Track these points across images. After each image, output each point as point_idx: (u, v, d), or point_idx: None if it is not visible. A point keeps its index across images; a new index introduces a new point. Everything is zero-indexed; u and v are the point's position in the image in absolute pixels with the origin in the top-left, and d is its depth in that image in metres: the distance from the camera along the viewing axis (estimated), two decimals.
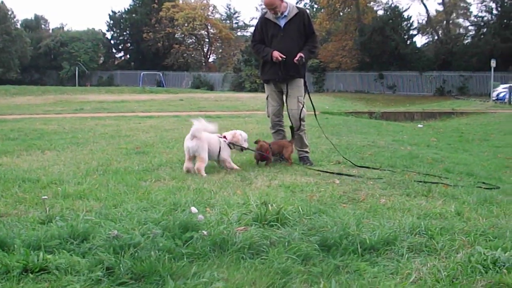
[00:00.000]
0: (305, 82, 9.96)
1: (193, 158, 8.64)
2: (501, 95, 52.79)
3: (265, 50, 9.76)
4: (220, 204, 5.92)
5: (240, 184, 7.43)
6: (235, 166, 8.99)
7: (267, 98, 10.20)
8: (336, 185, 7.61)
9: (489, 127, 29.80)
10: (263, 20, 9.93)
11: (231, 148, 9.28)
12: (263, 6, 9.57)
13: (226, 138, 9.19)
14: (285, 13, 9.66)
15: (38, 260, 3.98)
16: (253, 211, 5.39)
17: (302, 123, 9.93)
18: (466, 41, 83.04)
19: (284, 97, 10.02)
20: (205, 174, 8.32)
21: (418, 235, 5.02)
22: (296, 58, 9.60)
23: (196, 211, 5.43)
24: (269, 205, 5.40)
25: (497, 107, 44.91)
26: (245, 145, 9.40)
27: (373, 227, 5.09)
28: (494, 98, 53.60)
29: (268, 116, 10.24)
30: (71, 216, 5.28)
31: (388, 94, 74.59)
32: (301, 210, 5.58)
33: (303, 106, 9.91)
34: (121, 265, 4.00)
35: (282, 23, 9.70)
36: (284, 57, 9.50)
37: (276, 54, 9.51)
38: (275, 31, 9.74)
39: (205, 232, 4.65)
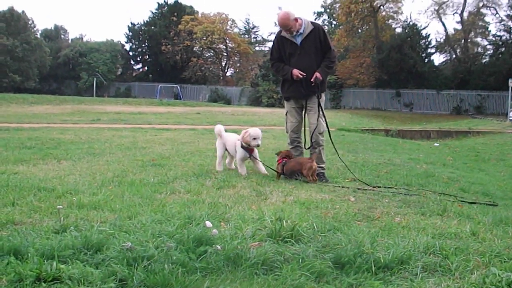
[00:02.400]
0: (318, 99, 9.96)
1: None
2: None
3: (285, 68, 9.80)
4: (234, 219, 5.93)
5: (255, 199, 7.43)
6: (242, 171, 9.46)
7: (286, 114, 10.22)
8: (351, 202, 7.60)
9: (506, 147, 29.62)
10: (279, 38, 9.94)
11: (244, 148, 9.60)
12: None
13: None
14: (301, 31, 9.67)
15: (51, 270, 4.01)
16: (267, 226, 5.39)
17: (321, 138, 9.94)
18: (484, 60, 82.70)
19: (304, 112, 10.03)
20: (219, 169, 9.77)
21: (433, 255, 5.00)
22: (313, 79, 9.66)
23: (211, 225, 5.44)
24: (284, 221, 5.39)
25: None
26: (253, 143, 9.53)
27: (388, 246, 5.08)
28: (511, 118, 53.37)
29: (287, 132, 10.26)
30: (86, 227, 5.31)
31: (405, 112, 74.36)
32: (315, 227, 5.57)
33: (326, 123, 9.97)
34: (134, 277, 4.02)
35: (298, 40, 9.72)
36: (304, 74, 9.52)
37: (296, 72, 9.55)
38: (292, 49, 9.76)
39: (219, 247, 4.65)
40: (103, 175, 9.12)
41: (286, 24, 9.53)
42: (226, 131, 10.56)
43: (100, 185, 8.05)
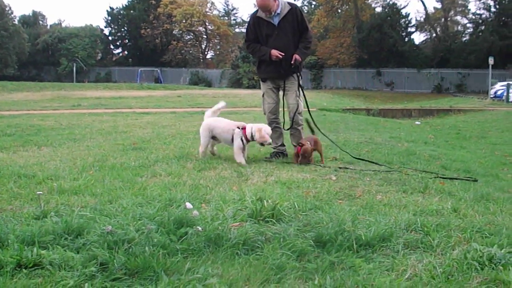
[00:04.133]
0: (299, 80, 9.95)
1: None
2: (499, 92, 52.84)
3: (262, 49, 9.74)
4: (215, 200, 5.92)
5: (236, 180, 7.42)
6: (242, 160, 9.08)
7: (263, 96, 10.17)
8: (332, 181, 7.59)
9: (487, 124, 29.78)
10: (255, 19, 9.83)
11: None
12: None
13: (245, 130, 9.20)
14: (278, 11, 9.59)
15: (32, 256, 3.97)
16: (248, 207, 5.38)
17: (300, 118, 9.93)
18: (464, 39, 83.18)
19: (281, 92, 10.01)
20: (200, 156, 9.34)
21: (414, 232, 5.02)
22: (292, 61, 9.66)
23: (191, 206, 5.42)
24: (265, 201, 5.37)
25: (495, 105, 44.94)
26: (269, 141, 9.30)
27: (369, 224, 5.09)
28: (492, 96, 53.66)
29: (265, 114, 10.20)
30: (66, 212, 5.28)
31: (386, 91, 74.69)
32: (296, 206, 5.59)
33: (304, 99, 9.97)
34: (115, 261, 3.99)
35: (275, 21, 9.64)
36: (283, 54, 9.49)
37: (275, 52, 9.49)
38: (270, 30, 9.69)
39: (199, 228, 4.63)
40: (84, 160, 9.06)
41: (267, 5, 9.45)
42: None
43: (80, 170, 8.00)
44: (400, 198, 6.61)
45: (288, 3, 9.81)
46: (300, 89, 10.01)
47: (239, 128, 9.20)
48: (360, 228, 4.90)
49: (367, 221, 5.21)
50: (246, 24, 10.39)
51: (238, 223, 4.91)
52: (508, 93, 47.40)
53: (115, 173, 7.73)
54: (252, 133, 9.09)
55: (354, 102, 51.92)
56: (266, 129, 9.20)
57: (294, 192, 6.61)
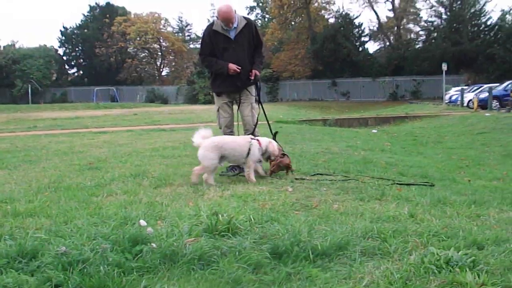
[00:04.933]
0: (259, 93, 9.99)
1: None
2: (454, 97, 53.54)
3: (219, 63, 9.71)
4: (171, 217, 5.88)
5: (192, 196, 7.37)
6: (253, 178, 8.80)
7: (218, 111, 10.15)
8: (288, 192, 7.58)
9: (443, 129, 30.09)
10: (211, 32, 9.78)
11: None
12: (215, 18, 9.35)
13: (260, 143, 9.01)
14: (235, 25, 9.62)
15: None
16: (204, 222, 5.35)
17: (256, 129, 9.95)
18: (418, 46, 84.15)
19: (236, 106, 10.02)
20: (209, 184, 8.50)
21: (371, 239, 5.04)
22: (252, 77, 9.80)
23: (145, 224, 5.38)
24: (220, 215, 5.36)
25: (450, 110, 45.45)
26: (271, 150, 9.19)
27: (325, 233, 5.09)
28: (447, 101, 54.28)
29: (220, 128, 10.18)
30: (21, 235, 5.19)
31: (342, 101, 75.22)
32: (252, 219, 5.56)
33: (264, 111, 10.00)
34: (69, 282, 3.95)
35: (232, 35, 9.64)
36: (240, 68, 9.52)
37: (233, 67, 9.50)
38: (226, 44, 9.68)
39: (154, 245, 4.60)
40: (39, 182, 8.97)
41: (231, 17, 9.46)
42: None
43: (36, 192, 7.91)
44: (357, 206, 6.65)
45: (244, 17, 9.86)
46: (259, 102, 10.08)
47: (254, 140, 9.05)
48: (316, 238, 4.91)
49: (323, 230, 5.22)
50: (201, 37, 10.36)
51: (193, 238, 4.88)
52: (462, 97, 47.99)
53: (70, 194, 7.64)
54: (266, 147, 9.04)
55: (310, 113, 52.13)
56: (275, 144, 9.25)
57: (250, 205, 6.60)
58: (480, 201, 7.70)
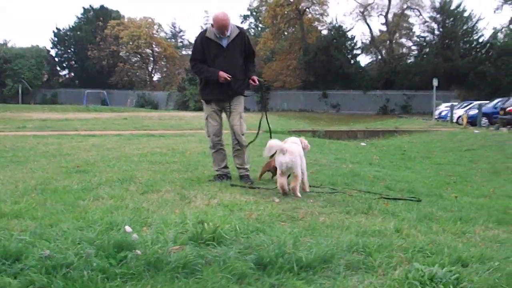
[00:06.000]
0: (265, 104, 10.10)
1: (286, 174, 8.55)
2: (443, 113, 53.68)
3: (209, 70, 9.70)
4: (157, 223, 5.85)
5: (179, 203, 7.34)
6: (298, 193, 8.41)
7: (206, 119, 10.13)
8: (275, 203, 7.59)
9: (432, 145, 30.14)
10: (204, 39, 9.78)
11: None
12: (209, 25, 9.33)
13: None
14: (228, 33, 9.64)
15: None
16: (189, 230, 5.34)
17: (244, 139, 9.95)
18: (409, 61, 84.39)
19: (225, 114, 10.03)
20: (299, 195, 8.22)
21: (356, 253, 5.06)
22: (255, 84, 9.99)
23: (131, 230, 5.35)
24: (206, 224, 5.35)
25: (440, 126, 45.47)
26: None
27: (310, 245, 5.09)
28: (436, 117, 54.37)
29: (208, 136, 10.15)
30: (5, 236, 5.15)
31: (332, 113, 75.27)
32: (238, 229, 5.54)
33: (267, 119, 10.13)
34: (52, 286, 3.93)
35: (224, 43, 9.65)
36: (231, 76, 9.53)
37: (224, 74, 9.49)
38: (218, 51, 9.68)
39: (139, 252, 4.58)
40: (26, 183, 8.92)
41: (227, 24, 9.47)
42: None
43: (22, 193, 7.85)
44: (343, 220, 6.65)
45: (237, 26, 9.87)
46: (265, 111, 10.37)
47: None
48: (302, 250, 4.90)
49: (309, 243, 5.22)
50: (193, 43, 10.36)
51: (178, 246, 4.86)
52: (452, 114, 48.11)
53: (57, 197, 7.61)
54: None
55: (300, 123, 52.09)
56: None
57: (236, 215, 6.58)
58: (466, 218, 7.72)
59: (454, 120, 47.15)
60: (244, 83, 10.02)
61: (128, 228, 5.38)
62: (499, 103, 42.70)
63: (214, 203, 7.40)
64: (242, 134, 9.91)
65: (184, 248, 4.79)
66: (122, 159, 12.93)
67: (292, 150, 8.33)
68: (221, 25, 9.50)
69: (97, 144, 18.31)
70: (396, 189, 10.70)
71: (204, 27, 9.82)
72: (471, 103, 50.41)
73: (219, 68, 9.59)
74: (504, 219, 8.41)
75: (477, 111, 41.61)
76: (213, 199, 7.75)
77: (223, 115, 10.13)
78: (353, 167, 13.95)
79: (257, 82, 10.02)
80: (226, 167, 10.08)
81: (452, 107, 49.22)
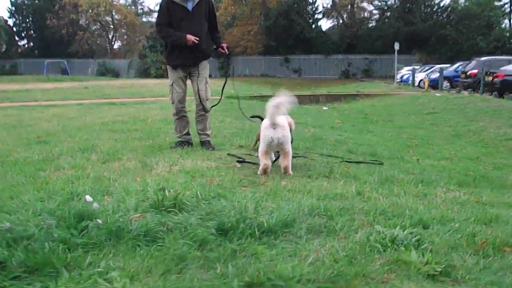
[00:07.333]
0: (227, 70, 10.09)
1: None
2: (405, 77, 54.15)
3: (177, 34, 9.59)
4: (118, 192, 5.82)
5: (140, 171, 7.32)
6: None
7: (171, 85, 10.04)
8: (237, 169, 7.62)
9: (393, 108, 30.33)
10: (169, 3, 9.64)
11: None
12: None
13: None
14: None
15: None
16: (150, 197, 5.32)
17: (208, 103, 9.93)
18: (371, 25, 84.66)
19: (190, 80, 9.98)
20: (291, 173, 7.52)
21: (318, 216, 5.07)
22: (226, 50, 10.01)
23: (91, 199, 5.31)
24: (167, 190, 5.33)
25: (401, 89, 45.75)
26: None
27: (272, 210, 5.09)
28: (398, 80, 54.68)
29: (173, 103, 10.05)
30: None
31: (294, 78, 75.31)
32: (199, 195, 5.53)
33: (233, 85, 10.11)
34: (13, 259, 3.89)
35: (189, 6, 9.56)
36: (198, 39, 9.48)
37: (192, 38, 9.41)
38: (184, 14, 9.58)
39: (100, 221, 4.56)
40: None
41: None
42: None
43: None
44: (304, 184, 6.68)
45: None
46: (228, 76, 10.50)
47: None
48: (263, 214, 4.90)
49: (270, 207, 5.21)
50: (155, 13, 10.32)
51: (140, 214, 4.83)
52: (414, 77, 48.38)
53: (17, 168, 7.53)
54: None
55: (261, 89, 51.93)
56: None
57: (197, 181, 6.58)
58: (428, 180, 7.83)
59: (416, 84, 47.47)
60: (209, 48, 10.01)
61: (88, 198, 5.35)
62: (460, 67, 42.99)
63: (175, 170, 7.40)
64: (207, 100, 9.88)
65: (145, 216, 4.76)
66: (83, 128, 12.84)
67: (284, 124, 7.54)
68: None
69: (58, 114, 18.16)
70: (358, 153, 10.75)
71: None
72: (432, 67, 50.71)
73: (185, 32, 9.50)
74: (464, 181, 8.53)
75: (438, 74, 41.83)
76: (174, 166, 7.74)
77: (188, 82, 10.07)
78: (315, 131, 14.00)
79: (227, 50, 9.98)
80: (188, 133, 10.04)
81: (413, 71, 49.50)
